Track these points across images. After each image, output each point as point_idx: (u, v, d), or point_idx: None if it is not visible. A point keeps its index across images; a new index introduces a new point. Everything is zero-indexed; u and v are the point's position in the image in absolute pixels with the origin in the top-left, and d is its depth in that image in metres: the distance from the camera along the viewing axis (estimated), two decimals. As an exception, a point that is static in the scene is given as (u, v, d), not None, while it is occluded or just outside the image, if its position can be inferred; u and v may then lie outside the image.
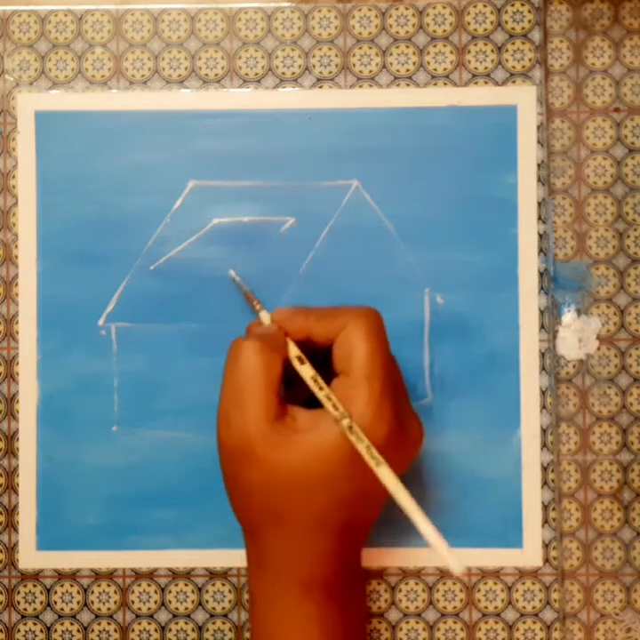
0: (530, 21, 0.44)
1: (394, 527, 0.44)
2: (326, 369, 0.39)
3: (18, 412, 0.44)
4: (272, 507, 0.38)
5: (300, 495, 0.37)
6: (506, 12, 0.44)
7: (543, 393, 0.44)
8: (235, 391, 0.38)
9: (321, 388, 0.38)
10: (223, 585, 0.44)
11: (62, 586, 0.44)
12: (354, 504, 0.38)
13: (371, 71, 0.44)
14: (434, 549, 0.37)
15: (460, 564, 0.36)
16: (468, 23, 0.44)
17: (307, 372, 0.39)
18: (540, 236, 0.44)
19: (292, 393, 0.40)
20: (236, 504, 0.39)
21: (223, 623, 0.44)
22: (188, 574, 0.44)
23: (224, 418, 0.38)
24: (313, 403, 0.39)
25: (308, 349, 0.40)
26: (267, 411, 0.37)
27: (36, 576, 0.44)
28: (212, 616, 0.44)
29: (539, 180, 0.44)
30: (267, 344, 0.38)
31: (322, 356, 0.40)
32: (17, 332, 0.44)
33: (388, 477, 0.37)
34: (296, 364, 0.39)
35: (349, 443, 0.37)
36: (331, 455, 0.37)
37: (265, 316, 0.41)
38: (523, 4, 0.44)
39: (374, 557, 0.44)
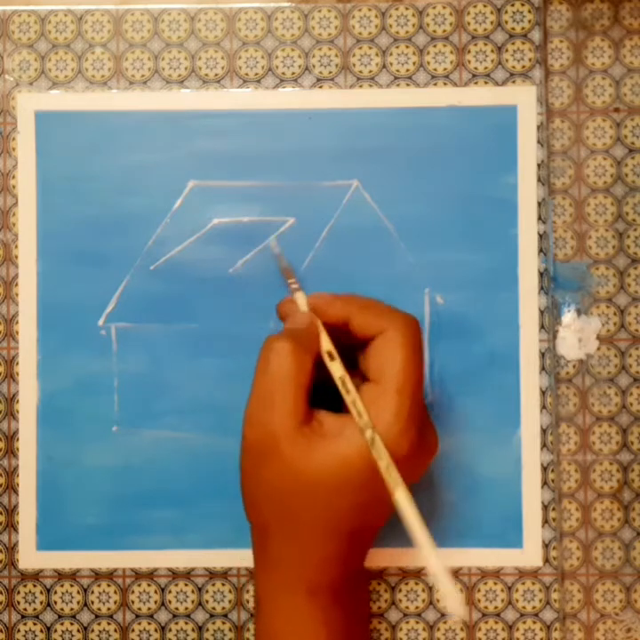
0: (530, 21, 0.44)
1: (394, 527, 0.44)
2: (353, 363, 0.39)
3: (18, 411, 0.44)
4: (287, 507, 0.38)
5: (317, 499, 0.37)
6: (506, 11, 0.44)
7: (543, 393, 0.44)
8: (265, 391, 0.37)
9: (348, 392, 0.37)
10: (223, 585, 0.44)
11: (62, 586, 0.44)
12: (367, 510, 0.38)
13: (371, 71, 0.44)
14: (439, 586, 0.36)
15: (463, 608, 0.36)
16: (468, 23, 0.44)
17: (336, 370, 0.38)
18: (540, 236, 0.44)
19: (320, 386, 0.39)
20: (250, 502, 0.39)
21: (223, 623, 0.44)
22: (188, 574, 0.44)
23: (252, 416, 0.38)
24: (337, 396, 0.38)
25: (340, 342, 0.39)
26: (295, 413, 0.37)
27: (36, 576, 0.44)
28: (212, 616, 0.44)
29: (539, 180, 0.44)
30: (299, 343, 0.38)
31: (349, 350, 0.39)
32: (17, 332, 0.44)
33: (403, 502, 0.37)
34: (326, 359, 0.38)
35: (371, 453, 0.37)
36: (353, 464, 0.37)
37: (301, 298, 0.40)
38: (523, 4, 0.44)
39: (374, 557, 0.44)
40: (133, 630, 0.44)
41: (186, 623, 0.44)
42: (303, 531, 0.38)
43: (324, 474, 0.37)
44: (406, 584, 0.44)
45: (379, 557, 0.44)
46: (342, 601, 0.39)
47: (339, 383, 0.38)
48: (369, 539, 0.40)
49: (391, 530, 0.44)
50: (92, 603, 0.44)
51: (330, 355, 0.38)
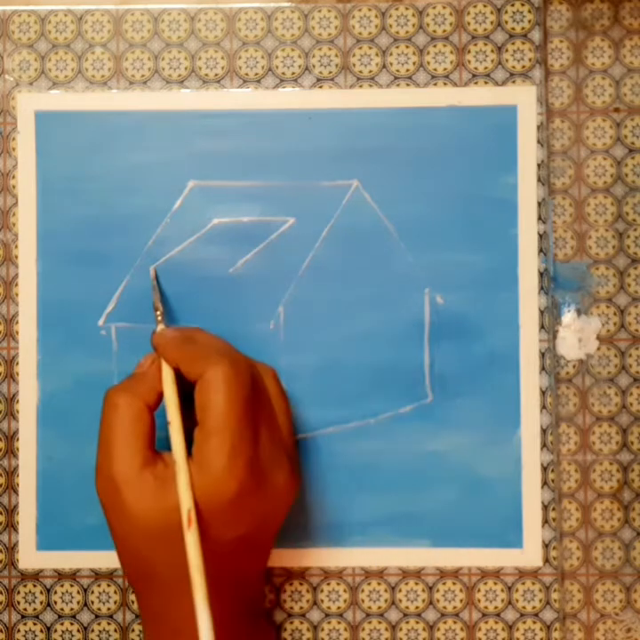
0: (530, 21, 0.44)
1: (394, 527, 0.44)
2: None
3: (18, 411, 0.44)
4: (142, 560, 0.38)
5: (168, 547, 0.37)
6: (506, 12, 0.44)
7: (543, 393, 0.44)
8: (104, 444, 0.38)
9: (172, 436, 0.38)
10: (223, 585, 0.44)
11: (62, 586, 0.44)
12: (225, 555, 0.37)
13: (371, 71, 0.44)
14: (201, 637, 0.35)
15: None
16: (468, 23, 0.44)
17: (169, 414, 0.38)
18: (540, 236, 0.44)
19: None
20: (121, 560, 0.39)
21: (223, 623, 0.44)
22: (187, 574, 0.44)
23: (97, 468, 0.38)
24: None
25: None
26: (132, 460, 0.37)
27: (35, 576, 0.44)
28: (212, 616, 0.44)
29: (539, 180, 0.44)
30: (134, 391, 0.38)
31: None
32: (17, 332, 0.44)
33: (190, 545, 0.36)
34: (165, 401, 0.39)
35: (202, 495, 0.36)
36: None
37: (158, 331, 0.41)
38: (523, 4, 0.44)
39: (374, 557, 0.44)
40: (133, 630, 0.44)
41: (186, 623, 0.44)
42: (163, 582, 0.37)
43: (165, 519, 0.36)
44: (406, 584, 0.44)
45: (379, 557, 0.44)
46: None
47: (169, 426, 0.38)
48: (246, 582, 0.39)
49: (391, 530, 0.44)
50: (92, 603, 0.44)
51: (166, 397, 0.39)
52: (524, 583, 0.44)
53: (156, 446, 0.39)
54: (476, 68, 0.44)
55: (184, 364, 0.38)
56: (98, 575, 0.44)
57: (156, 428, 0.38)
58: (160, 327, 0.41)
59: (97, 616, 0.44)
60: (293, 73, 0.44)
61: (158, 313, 0.42)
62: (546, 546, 0.44)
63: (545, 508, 0.44)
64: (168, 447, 0.38)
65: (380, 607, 0.44)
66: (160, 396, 0.39)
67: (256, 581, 0.41)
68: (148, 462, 0.37)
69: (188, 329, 0.42)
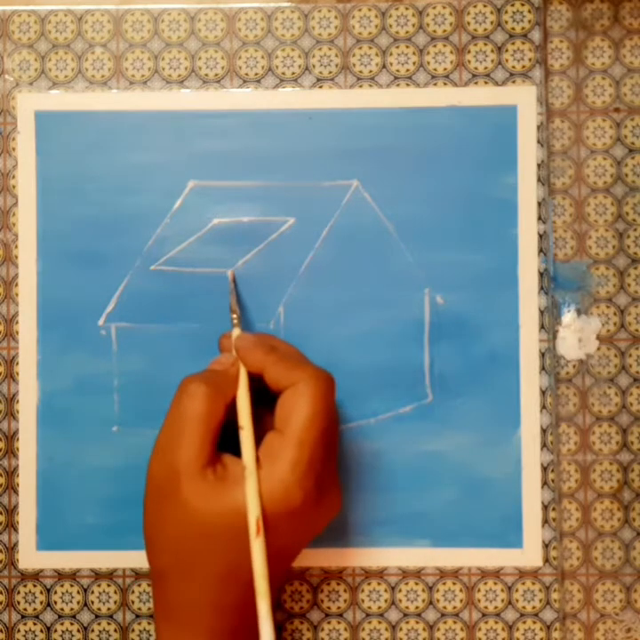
0: (530, 21, 0.44)
1: (393, 527, 0.44)
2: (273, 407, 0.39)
3: (18, 412, 0.44)
4: (184, 551, 0.38)
5: (213, 546, 0.37)
6: (506, 12, 0.44)
7: (543, 393, 0.44)
8: (174, 429, 0.38)
9: (245, 441, 0.38)
10: (223, 585, 0.44)
11: (62, 586, 0.44)
12: (268, 561, 0.38)
13: (371, 71, 0.44)
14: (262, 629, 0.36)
15: None
16: (468, 23, 0.44)
17: (241, 418, 0.38)
18: (540, 236, 0.44)
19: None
20: (149, 543, 0.39)
21: (223, 623, 0.44)
22: (188, 574, 0.44)
23: (159, 451, 0.38)
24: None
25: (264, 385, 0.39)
26: (200, 455, 0.37)
27: (35, 576, 0.44)
28: (212, 616, 0.44)
29: (539, 180, 0.44)
30: (214, 386, 0.38)
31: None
32: (17, 332, 0.44)
33: (256, 552, 0.36)
34: (238, 403, 0.39)
35: (268, 502, 0.37)
36: (246, 512, 0.37)
37: (236, 335, 0.41)
38: (523, 4, 0.44)
39: (374, 557, 0.44)
40: (133, 630, 0.44)
41: (186, 623, 0.44)
42: (200, 577, 0.37)
43: (218, 520, 0.37)
44: (406, 584, 0.44)
45: (379, 557, 0.44)
46: None
47: (239, 431, 0.38)
48: (273, 584, 0.39)
49: (391, 530, 0.44)
50: (92, 603, 0.44)
51: (238, 402, 0.39)
52: (523, 583, 0.44)
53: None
54: (475, 68, 0.44)
55: (271, 370, 0.39)
56: (98, 575, 0.44)
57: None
58: (236, 331, 0.41)
59: (97, 616, 0.44)
60: (293, 73, 0.44)
61: (235, 316, 0.42)
62: (546, 546, 0.44)
63: (545, 508, 0.44)
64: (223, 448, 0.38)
65: (380, 607, 0.44)
66: (234, 396, 0.39)
67: (279, 586, 0.42)
68: (211, 460, 0.37)
69: (266, 336, 0.42)
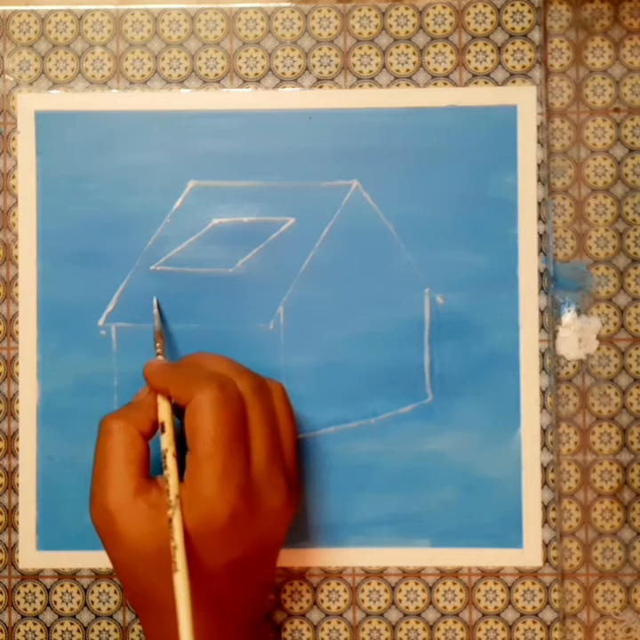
0: (530, 21, 0.44)
1: (393, 527, 0.44)
2: None
3: (18, 412, 0.44)
4: (140, 586, 0.38)
5: (163, 573, 0.36)
6: (506, 12, 0.44)
7: (543, 393, 0.44)
8: (98, 471, 0.38)
9: (166, 466, 0.37)
10: (223, 585, 0.44)
11: (62, 586, 0.44)
12: (223, 578, 0.37)
13: (371, 71, 0.44)
14: None
15: None
16: (468, 23, 0.44)
17: (162, 442, 0.38)
18: (540, 236, 0.44)
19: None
20: (121, 585, 0.39)
21: (223, 623, 0.44)
22: (187, 574, 0.44)
23: (92, 497, 0.38)
24: None
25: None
26: (126, 487, 0.37)
27: (36, 576, 0.44)
28: (211, 616, 0.44)
29: (539, 180, 0.44)
30: (129, 419, 0.38)
31: None
32: (17, 332, 0.44)
33: (179, 587, 0.35)
34: (160, 431, 0.38)
35: (197, 523, 0.36)
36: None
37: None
38: (523, 4, 0.44)
39: (374, 557, 0.44)
40: (133, 630, 0.44)
41: (186, 623, 0.44)
42: (161, 606, 0.37)
43: (156, 545, 0.36)
44: (406, 584, 0.44)
45: (378, 557, 0.44)
46: None
47: (162, 457, 0.38)
48: (245, 599, 0.39)
49: (390, 530, 0.44)
50: (92, 603, 0.44)
51: (162, 426, 0.38)
52: (524, 583, 0.44)
53: (152, 473, 0.38)
54: (476, 68, 0.44)
55: (173, 390, 0.38)
56: (98, 575, 0.44)
57: (150, 456, 0.38)
58: (159, 359, 0.41)
59: (97, 616, 0.44)
60: (293, 73, 0.44)
61: (158, 345, 0.42)
62: (546, 546, 0.44)
63: (545, 508, 0.44)
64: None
65: (380, 607, 0.44)
66: (155, 425, 0.39)
67: (257, 605, 0.41)
68: (141, 489, 0.37)
69: (193, 356, 0.41)
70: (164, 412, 0.39)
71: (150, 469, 0.38)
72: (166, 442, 0.38)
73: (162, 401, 0.39)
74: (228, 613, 0.38)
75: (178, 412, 0.39)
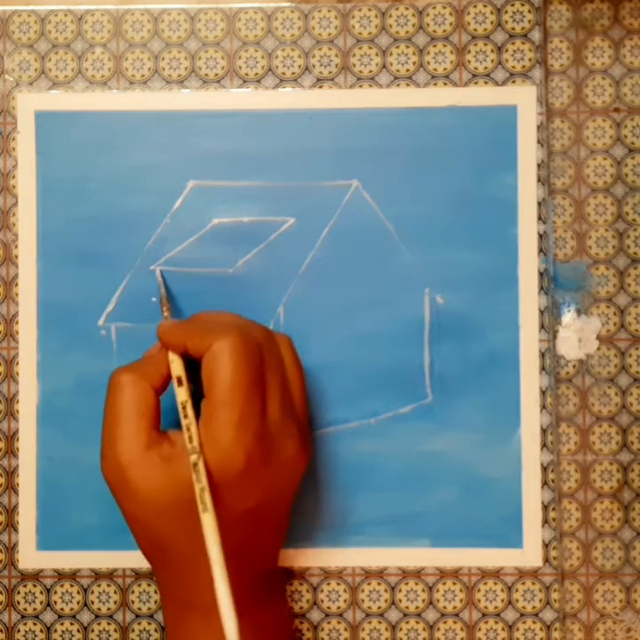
0: (530, 21, 0.44)
1: (393, 527, 0.44)
2: None
3: (18, 412, 0.44)
4: (154, 537, 0.38)
5: (177, 524, 0.37)
6: (506, 12, 0.44)
7: (543, 393, 0.44)
8: (108, 425, 0.38)
9: (186, 416, 0.37)
10: (223, 585, 0.44)
11: (62, 586, 0.44)
12: (238, 528, 0.37)
13: (371, 71, 0.44)
14: (223, 616, 0.35)
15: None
16: (468, 23, 0.44)
17: (178, 395, 0.38)
18: (540, 236, 0.44)
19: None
20: (134, 538, 0.39)
21: (223, 623, 0.44)
22: (187, 574, 0.44)
23: (103, 451, 0.38)
24: None
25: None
26: (137, 440, 0.37)
27: (36, 576, 0.44)
28: (211, 616, 0.44)
29: (539, 180, 0.44)
30: (139, 373, 0.38)
31: None
32: (17, 332, 0.44)
33: (208, 528, 0.36)
34: (175, 384, 0.38)
35: (214, 470, 0.36)
36: (190, 485, 0.36)
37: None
38: (523, 4, 0.44)
39: (374, 557, 0.44)
40: (133, 630, 0.44)
41: (186, 623, 0.44)
42: (176, 556, 0.38)
43: (172, 498, 0.37)
44: (406, 584, 0.44)
45: (378, 557, 0.44)
46: (245, 616, 0.36)
47: (179, 408, 0.38)
48: (261, 552, 0.39)
49: (390, 530, 0.44)
50: (92, 603, 0.44)
51: (179, 380, 0.38)
52: (524, 583, 0.44)
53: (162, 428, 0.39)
54: (475, 68, 0.44)
55: (190, 342, 0.38)
56: (98, 575, 0.44)
57: (160, 410, 0.38)
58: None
59: (97, 616, 0.44)
60: (293, 73, 0.44)
61: (165, 309, 0.42)
62: (546, 546, 0.44)
63: (545, 508, 0.44)
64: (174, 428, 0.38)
65: (380, 607, 0.44)
66: (165, 380, 0.39)
67: (272, 553, 0.41)
68: (153, 442, 0.37)
69: (197, 314, 0.41)
70: (179, 367, 0.39)
71: (160, 423, 0.38)
72: (184, 394, 0.38)
73: (174, 357, 0.39)
74: (243, 561, 0.38)
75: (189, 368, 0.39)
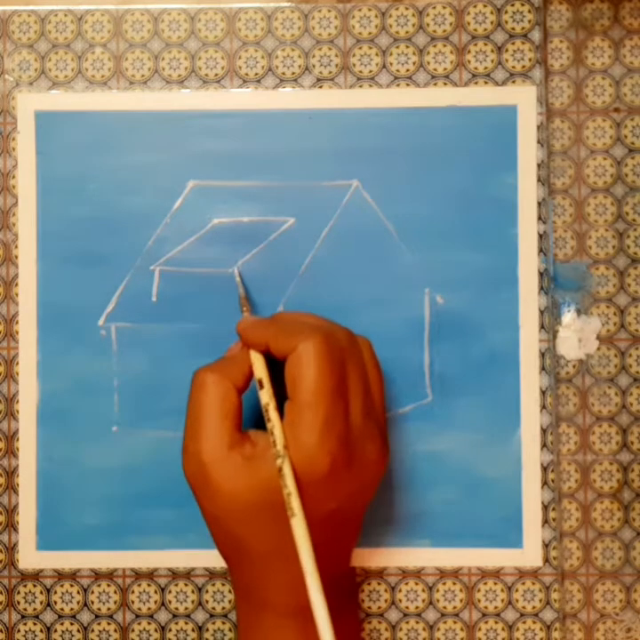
0: (530, 21, 0.44)
1: (393, 527, 0.44)
2: None
3: (18, 412, 0.44)
4: (233, 537, 0.38)
5: (258, 524, 0.37)
6: (506, 12, 0.44)
7: (543, 393, 0.44)
8: (192, 423, 0.38)
9: (269, 419, 0.37)
10: (223, 585, 0.44)
11: (62, 586, 0.44)
12: (317, 531, 0.37)
13: (371, 71, 0.44)
14: (318, 623, 0.35)
15: None
16: (468, 23, 0.44)
17: (262, 397, 0.38)
18: (540, 236, 0.44)
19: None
20: (212, 536, 0.39)
21: (223, 623, 0.44)
22: (187, 574, 0.44)
23: (185, 448, 0.38)
24: None
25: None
26: (221, 440, 0.37)
27: (36, 576, 0.44)
28: (211, 616, 0.44)
29: (539, 180, 0.44)
30: (223, 373, 0.38)
31: None
32: (17, 332, 0.44)
33: (298, 532, 0.36)
34: (257, 386, 0.38)
35: (299, 472, 0.36)
36: (275, 485, 0.36)
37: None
38: (523, 4, 0.44)
39: (374, 557, 0.44)
40: (133, 630, 0.44)
41: (186, 623, 0.44)
42: (256, 557, 0.38)
43: (255, 499, 0.37)
44: (406, 584, 0.44)
45: (379, 557, 0.44)
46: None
47: (263, 410, 0.38)
48: (339, 554, 0.39)
49: (391, 530, 0.44)
50: (92, 603, 0.44)
51: (260, 383, 0.38)
52: (524, 583, 0.44)
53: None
54: (475, 68, 0.44)
55: (273, 342, 0.38)
56: (98, 575, 0.44)
57: (242, 410, 0.38)
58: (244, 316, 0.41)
59: (97, 616, 0.44)
60: (293, 73, 0.44)
61: (245, 309, 0.42)
62: (546, 546, 0.44)
63: (545, 508, 0.44)
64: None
65: (380, 607, 0.44)
66: (248, 379, 0.39)
67: (345, 557, 0.41)
68: (235, 442, 0.37)
69: (276, 314, 0.41)
70: (261, 368, 0.39)
71: (242, 423, 0.38)
72: (267, 396, 0.38)
73: (256, 356, 0.39)
74: (321, 563, 0.38)
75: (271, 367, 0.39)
